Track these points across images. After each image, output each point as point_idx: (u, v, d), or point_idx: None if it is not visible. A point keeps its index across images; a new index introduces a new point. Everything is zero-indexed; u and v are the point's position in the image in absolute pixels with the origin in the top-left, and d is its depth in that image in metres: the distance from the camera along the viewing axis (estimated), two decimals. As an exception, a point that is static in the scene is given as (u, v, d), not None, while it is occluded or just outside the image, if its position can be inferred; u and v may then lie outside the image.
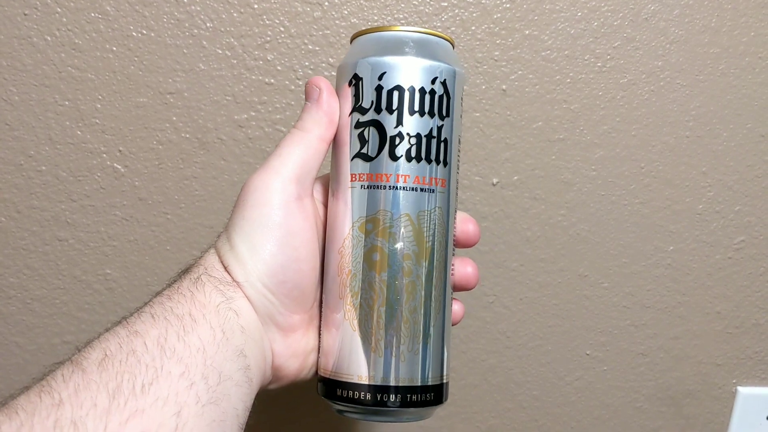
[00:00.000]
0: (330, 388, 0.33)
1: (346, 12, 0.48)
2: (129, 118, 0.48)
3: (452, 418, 0.56)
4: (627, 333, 0.55)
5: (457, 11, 0.49)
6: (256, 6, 0.47)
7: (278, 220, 0.31)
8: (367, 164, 0.32)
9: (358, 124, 0.33)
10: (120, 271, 0.50)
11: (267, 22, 0.48)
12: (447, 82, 0.33)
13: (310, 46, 0.48)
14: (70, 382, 0.24)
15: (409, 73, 0.32)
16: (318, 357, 0.34)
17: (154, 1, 0.47)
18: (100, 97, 0.48)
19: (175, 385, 0.25)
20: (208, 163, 0.49)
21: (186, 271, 0.32)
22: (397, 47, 0.33)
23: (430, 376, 0.33)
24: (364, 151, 0.33)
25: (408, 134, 0.32)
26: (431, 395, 0.33)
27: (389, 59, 0.32)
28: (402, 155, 0.32)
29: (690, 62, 0.51)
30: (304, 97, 0.34)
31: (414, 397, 0.32)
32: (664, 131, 0.52)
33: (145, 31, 0.47)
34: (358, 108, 0.33)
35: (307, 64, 0.48)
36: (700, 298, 0.55)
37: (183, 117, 0.48)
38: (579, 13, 0.50)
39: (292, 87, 0.48)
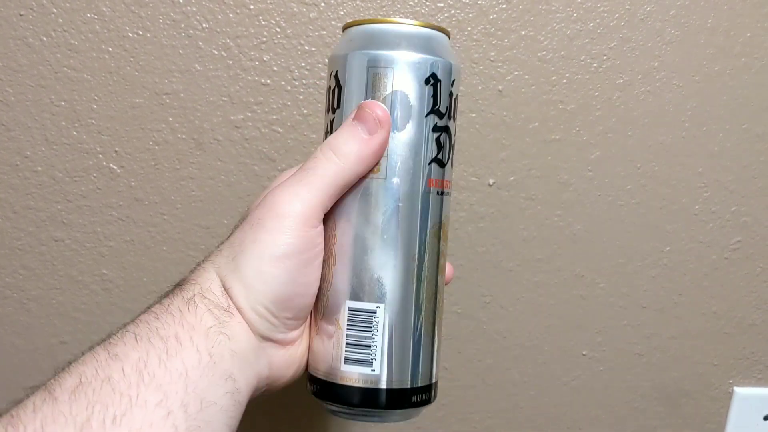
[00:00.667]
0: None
1: (342, 13, 0.48)
2: (125, 119, 0.48)
3: (449, 418, 0.56)
4: (623, 333, 0.55)
5: (453, 12, 0.49)
6: (252, 7, 0.47)
7: (298, 249, 0.29)
8: (441, 170, 0.33)
9: (436, 128, 0.32)
10: (116, 271, 0.50)
11: (263, 22, 0.48)
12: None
13: (306, 47, 0.48)
14: (39, 413, 0.23)
15: (457, 76, 0.33)
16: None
17: (150, 1, 0.47)
18: (96, 97, 0.48)
19: (150, 415, 0.24)
20: (204, 163, 0.49)
21: (179, 286, 0.30)
22: (450, 51, 0.33)
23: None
24: (440, 156, 0.32)
25: (454, 142, 0.34)
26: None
27: (456, 64, 0.33)
28: (452, 162, 0.34)
29: (686, 63, 0.51)
30: (352, 117, 0.31)
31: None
32: (660, 131, 0.52)
33: (141, 32, 0.47)
34: (436, 111, 0.32)
35: (303, 64, 0.48)
36: (696, 298, 0.55)
37: (179, 117, 0.48)
38: (575, 14, 0.50)
39: (289, 87, 0.48)
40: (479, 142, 0.51)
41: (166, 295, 0.29)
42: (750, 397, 0.57)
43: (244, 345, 0.29)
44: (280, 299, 0.29)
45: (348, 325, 0.32)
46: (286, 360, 0.32)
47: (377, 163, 0.31)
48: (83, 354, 0.26)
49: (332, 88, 0.33)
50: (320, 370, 0.33)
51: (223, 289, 0.29)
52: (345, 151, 0.30)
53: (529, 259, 0.53)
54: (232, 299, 0.29)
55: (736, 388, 0.57)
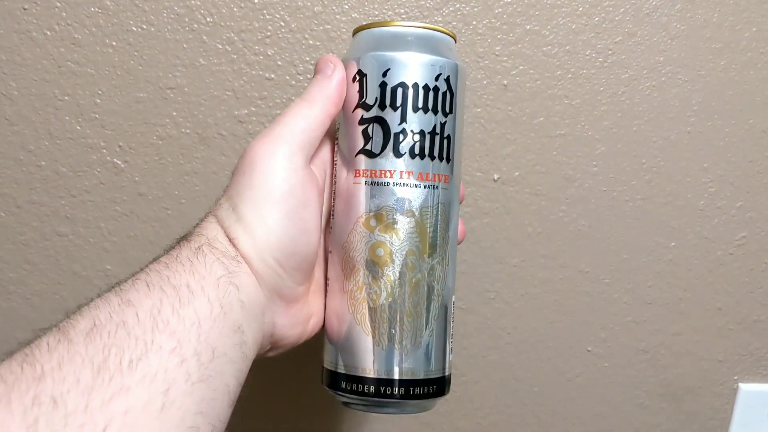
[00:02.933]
0: (335, 380, 0.33)
1: (346, 6, 0.48)
2: (129, 113, 0.48)
3: (453, 414, 0.56)
4: (628, 329, 0.55)
5: (458, 6, 0.49)
6: (256, 1, 0.47)
7: (288, 189, 0.30)
8: (371, 160, 0.32)
9: (363, 121, 0.33)
10: (120, 266, 0.50)
11: (267, 16, 0.47)
12: (450, 78, 0.33)
13: (311, 41, 0.48)
14: (55, 353, 0.23)
15: (413, 69, 0.32)
16: (323, 349, 0.34)
17: (154, -5, 0.47)
18: (99, 92, 0.48)
19: (165, 361, 0.24)
20: (208, 158, 0.49)
21: (185, 238, 0.30)
22: (401, 43, 0.33)
23: (432, 368, 0.33)
24: (368, 147, 0.33)
25: (412, 131, 0.32)
26: (433, 387, 0.33)
27: (393, 55, 0.32)
28: (405, 152, 0.32)
29: (691, 57, 0.51)
30: (313, 73, 0.34)
31: (416, 390, 0.32)
32: (665, 127, 0.52)
33: (144, 26, 0.47)
34: (362, 104, 0.33)
35: (307, 59, 0.48)
36: (701, 294, 0.55)
37: (183, 112, 0.48)
38: (580, 8, 0.50)
39: (293, 82, 0.48)
40: (484, 137, 0.51)
41: (173, 246, 0.29)
42: (755, 393, 0.57)
43: (252, 297, 0.29)
44: (283, 245, 0.30)
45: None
46: (290, 320, 0.32)
47: (341, 106, 0.33)
48: (92, 300, 0.26)
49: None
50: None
51: (228, 239, 0.30)
52: (311, 95, 0.32)
53: (534, 254, 0.53)
54: (238, 249, 0.30)
55: (741, 385, 0.57)
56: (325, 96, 0.32)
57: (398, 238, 0.32)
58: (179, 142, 0.49)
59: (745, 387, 0.57)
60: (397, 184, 0.32)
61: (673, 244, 0.54)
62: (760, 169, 0.53)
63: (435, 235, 0.33)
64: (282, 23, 0.48)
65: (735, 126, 0.52)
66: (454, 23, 0.49)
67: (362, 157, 0.33)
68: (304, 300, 0.33)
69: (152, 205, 0.49)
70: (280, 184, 0.30)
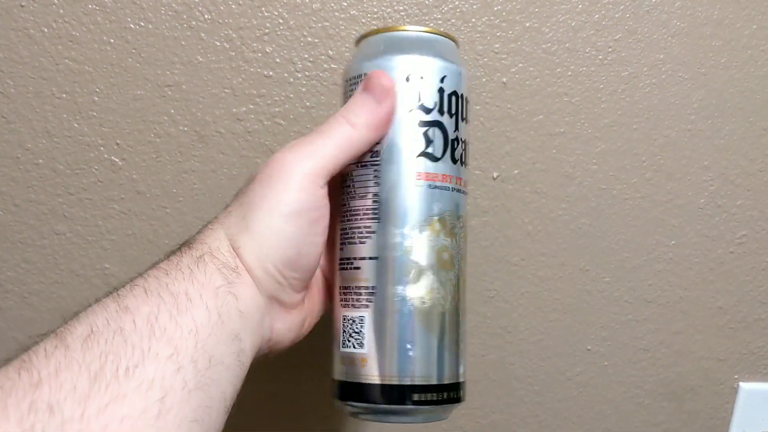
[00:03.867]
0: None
1: (345, 4, 0.48)
2: (126, 111, 0.48)
3: (453, 414, 0.55)
4: (628, 328, 0.55)
5: (457, 3, 0.48)
6: (254, -2, 0.47)
7: (306, 206, 0.30)
8: (433, 164, 0.33)
9: (423, 123, 0.32)
10: (118, 265, 0.50)
11: (266, 13, 0.47)
12: (470, 87, 0.36)
13: (309, 38, 0.48)
14: (52, 359, 0.23)
15: (463, 81, 0.34)
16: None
17: (151, -8, 0.46)
18: (97, 89, 0.47)
19: (162, 368, 0.24)
20: (206, 156, 0.49)
21: (187, 245, 0.30)
22: (454, 54, 0.35)
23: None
24: (429, 150, 0.32)
25: (461, 139, 0.34)
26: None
27: (448, 64, 0.33)
28: (458, 159, 0.34)
29: (692, 55, 0.51)
30: (361, 87, 0.32)
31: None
32: (665, 125, 0.52)
33: (142, 23, 0.47)
34: (420, 107, 0.32)
35: (306, 56, 0.48)
36: (702, 292, 0.55)
37: (181, 110, 0.48)
38: (580, 6, 0.49)
39: (291, 79, 0.48)
40: (483, 135, 0.50)
41: (174, 252, 0.29)
42: (756, 392, 0.57)
43: (250, 306, 0.29)
44: (289, 257, 0.30)
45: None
46: (287, 325, 0.32)
47: (386, 132, 0.32)
48: (90, 305, 0.26)
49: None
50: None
51: (231, 249, 0.30)
52: (356, 119, 0.31)
53: (534, 253, 0.53)
54: (241, 258, 0.30)
55: (741, 384, 0.57)
56: (371, 125, 0.31)
57: (456, 243, 0.33)
58: (177, 140, 0.48)
59: (745, 386, 0.56)
60: (454, 189, 0.33)
61: (673, 242, 0.54)
62: (760, 167, 0.53)
63: (466, 239, 0.35)
64: (281, 20, 0.47)
65: (736, 124, 0.52)
66: (453, 21, 0.49)
67: (423, 160, 0.32)
68: (301, 305, 0.33)
69: (150, 203, 0.49)
70: (298, 200, 0.30)
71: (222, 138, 0.48)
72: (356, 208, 0.33)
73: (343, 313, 0.33)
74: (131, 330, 0.24)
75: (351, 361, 0.32)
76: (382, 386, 0.31)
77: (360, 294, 0.32)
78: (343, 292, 0.34)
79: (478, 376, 0.54)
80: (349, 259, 0.33)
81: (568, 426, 0.56)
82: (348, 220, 0.33)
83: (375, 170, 0.32)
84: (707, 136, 0.52)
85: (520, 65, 0.50)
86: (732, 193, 0.53)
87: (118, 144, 0.48)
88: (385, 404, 0.31)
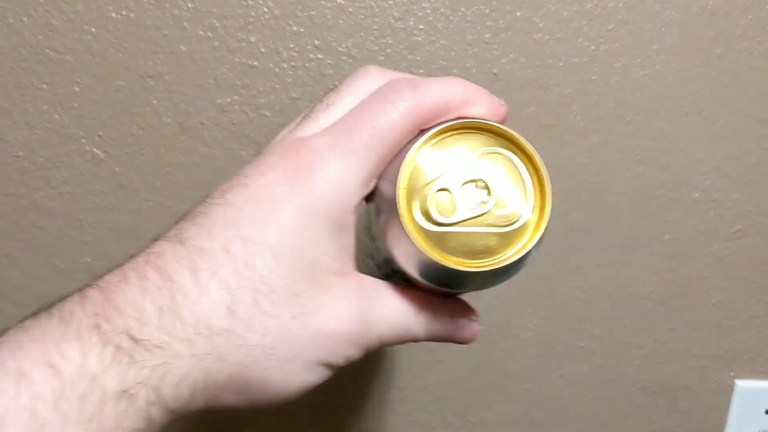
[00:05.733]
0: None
1: (331, -7, 0.47)
2: (108, 102, 0.47)
3: (443, 411, 0.54)
4: (622, 325, 0.54)
5: (446, -8, 0.48)
6: (238, -14, 0.46)
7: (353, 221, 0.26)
8: None
9: None
10: (100, 260, 0.49)
11: (250, 2, 0.46)
12: None
13: (295, 28, 0.47)
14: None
15: None
16: None
17: (133, -19, 0.45)
18: (78, 80, 0.46)
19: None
20: (190, 148, 0.48)
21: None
22: None
23: None
24: None
25: None
26: None
27: None
28: None
29: (686, 46, 0.50)
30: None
31: None
32: (659, 117, 0.51)
33: (124, 12, 0.46)
34: None
35: (291, 46, 0.47)
36: (696, 289, 0.54)
37: (164, 101, 0.47)
38: (572, -5, 0.49)
39: (277, 70, 0.47)
40: (473, 128, 0.50)
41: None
42: (751, 390, 0.56)
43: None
44: None
45: None
46: None
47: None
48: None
49: None
50: None
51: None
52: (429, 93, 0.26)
53: (525, 248, 0.52)
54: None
55: (737, 381, 0.56)
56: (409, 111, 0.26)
57: None
58: (160, 132, 0.47)
59: (741, 383, 0.56)
60: None
61: (667, 237, 0.53)
62: (756, 160, 0.52)
63: None
64: (265, 9, 0.46)
65: (730, 116, 0.51)
66: (442, 10, 0.48)
67: None
68: None
69: (133, 197, 0.48)
70: (345, 219, 0.26)
71: (206, 130, 0.47)
72: None
73: None
74: None
75: None
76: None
77: None
78: None
79: (468, 374, 0.54)
80: None
81: (560, 424, 0.55)
82: None
83: None
84: (701, 129, 0.51)
85: (511, 56, 0.49)
86: (727, 187, 0.52)
87: (99, 136, 0.47)
88: None
